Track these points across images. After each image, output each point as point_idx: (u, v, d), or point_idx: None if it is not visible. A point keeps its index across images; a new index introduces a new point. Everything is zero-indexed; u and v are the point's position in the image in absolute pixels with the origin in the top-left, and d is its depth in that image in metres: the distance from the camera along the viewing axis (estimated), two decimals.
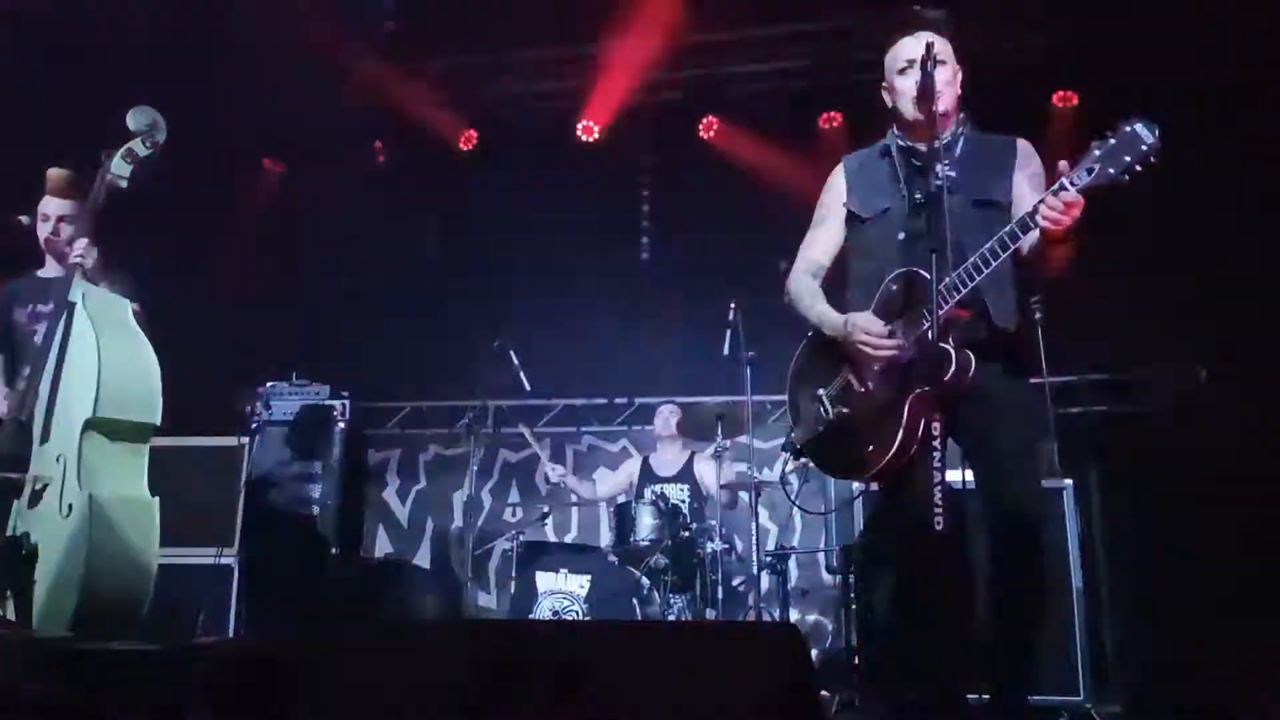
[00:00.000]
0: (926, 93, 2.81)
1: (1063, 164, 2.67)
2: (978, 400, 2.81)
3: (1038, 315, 4.63)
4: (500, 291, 6.54)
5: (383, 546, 7.06)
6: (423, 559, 6.97)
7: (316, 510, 5.15)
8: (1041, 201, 2.67)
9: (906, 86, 2.92)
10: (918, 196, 2.91)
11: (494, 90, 6.69)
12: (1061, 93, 6.23)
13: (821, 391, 3.03)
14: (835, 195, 3.14)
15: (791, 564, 5.91)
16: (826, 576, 5.89)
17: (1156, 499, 4.87)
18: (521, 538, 5.70)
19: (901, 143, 3.01)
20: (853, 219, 3.09)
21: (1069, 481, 4.28)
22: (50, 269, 3.80)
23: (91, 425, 3.27)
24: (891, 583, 3.26)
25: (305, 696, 2.20)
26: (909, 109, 2.93)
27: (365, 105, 6.61)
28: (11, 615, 3.20)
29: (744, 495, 5.77)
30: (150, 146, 3.52)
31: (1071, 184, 2.63)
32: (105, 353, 3.29)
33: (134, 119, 3.49)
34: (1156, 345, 5.48)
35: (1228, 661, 3.57)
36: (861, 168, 3.12)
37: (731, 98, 6.49)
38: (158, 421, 3.44)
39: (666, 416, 5.94)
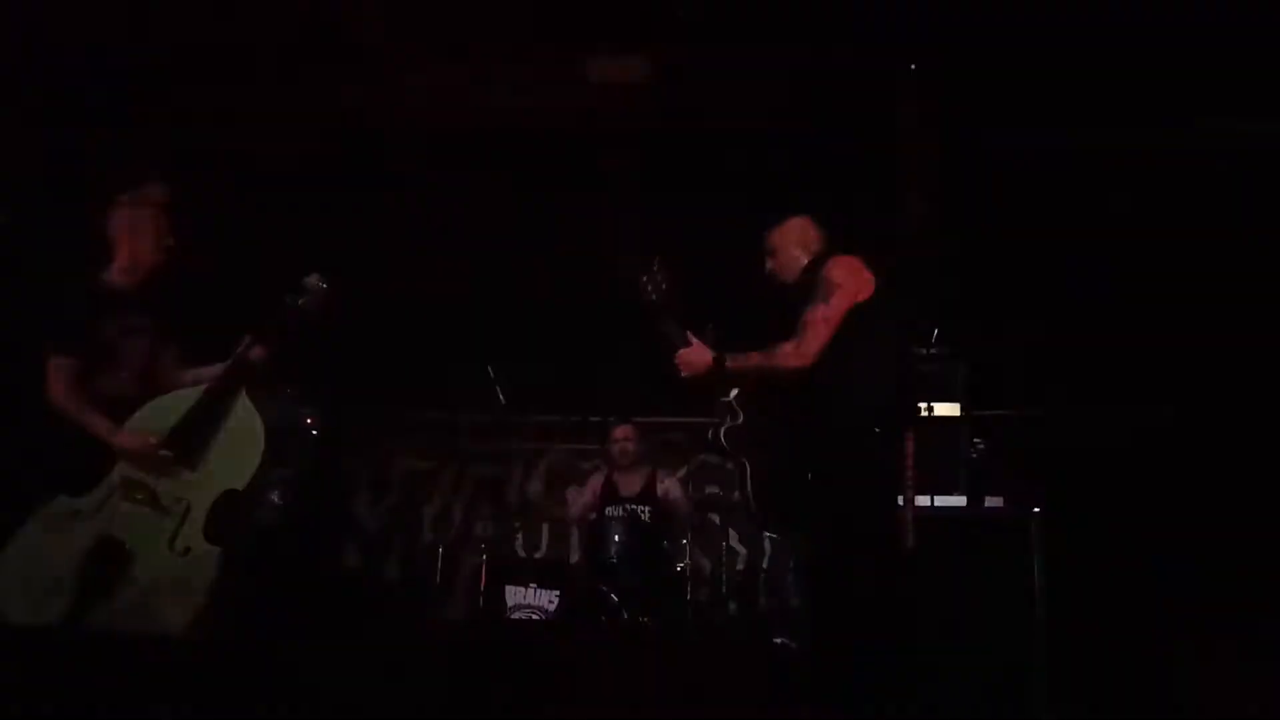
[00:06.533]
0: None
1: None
2: None
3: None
4: (477, 305, 6.55)
5: (351, 558, 7.02)
6: (391, 572, 6.94)
7: (282, 517, 5.12)
8: None
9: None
10: None
11: (473, 105, 6.70)
12: None
13: None
14: None
15: (760, 586, 5.93)
16: (794, 599, 5.91)
17: (1121, 532, 4.94)
18: (491, 552, 5.70)
19: None
20: None
21: (1035, 511, 4.33)
22: (120, 275, 3.73)
23: (235, 495, 3.53)
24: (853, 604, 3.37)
25: (278, 692, 2.20)
26: None
27: (344, 114, 6.62)
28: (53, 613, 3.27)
29: (714, 516, 5.81)
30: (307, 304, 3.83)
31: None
32: (265, 443, 3.61)
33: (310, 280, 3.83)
34: (1129, 383, 5.58)
35: (1190, 692, 3.61)
36: None
37: (711, 120, 6.53)
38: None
39: (622, 444, 5.89)
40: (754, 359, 3.49)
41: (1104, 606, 4.58)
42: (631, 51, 6.12)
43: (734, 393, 3.63)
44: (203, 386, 3.62)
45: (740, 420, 3.60)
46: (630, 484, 5.87)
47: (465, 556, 6.59)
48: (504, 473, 6.75)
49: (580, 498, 6.12)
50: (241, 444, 3.58)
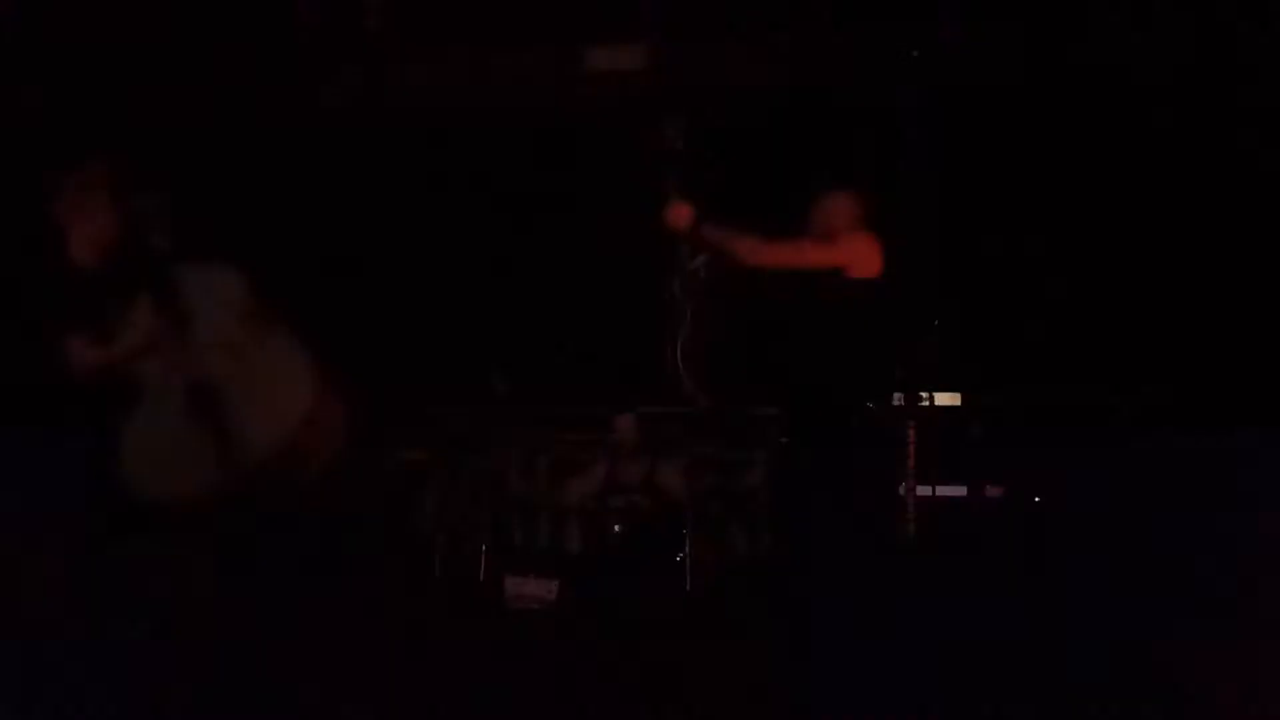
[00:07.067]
0: None
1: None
2: None
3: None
4: (477, 292, 6.52)
5: (348, 549, 6.98)
6: (389, 563, 6.89)
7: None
8: None
9: None
10: None
11: (479, 88, 6.67)
12: None
13: None
14: None
15: (760, 577, 5.90)
16: (794, 590, 5.89)
17: (1122, 521, 4.94)
18: (490, 543, 5.68)
19: None
20: None
21: (1036, 500, 4.32)
22: (78, 256, 3.71)
23: (250, 303, 3.65)
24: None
25: (277, 688, 2.17)
26: None
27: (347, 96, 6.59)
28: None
29: (715, 506, 5.77)
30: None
31: None
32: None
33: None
34: (1131, 369, 5.58)
35: (1192, 683, 3.60)
36: None
37: (714, 104, 6.48)
38: None
39: (623, 434, 5.91)
40: (722, 234, 3.86)
41: (1105, 598, 4.57)
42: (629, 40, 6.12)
43: (702, 258, 4.00)
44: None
45: (700, 275, 3.97)
46: (631, 474, 5.86)
47: (463, 547, 6.56)
48: (502, 463, 6.71)
49: (580, 487, 6.11)
50: (210, 281, 3.63)
